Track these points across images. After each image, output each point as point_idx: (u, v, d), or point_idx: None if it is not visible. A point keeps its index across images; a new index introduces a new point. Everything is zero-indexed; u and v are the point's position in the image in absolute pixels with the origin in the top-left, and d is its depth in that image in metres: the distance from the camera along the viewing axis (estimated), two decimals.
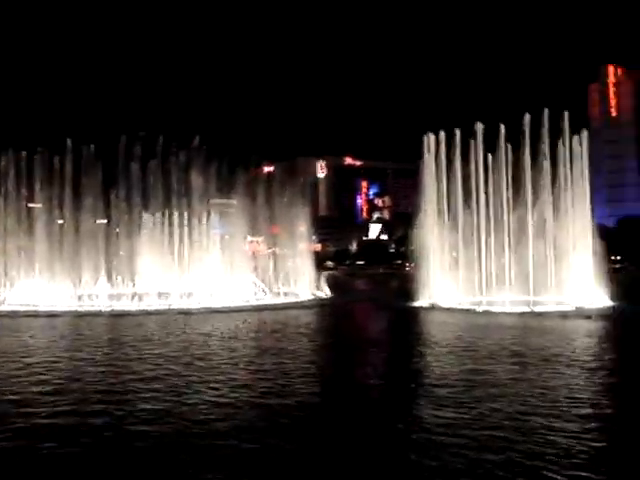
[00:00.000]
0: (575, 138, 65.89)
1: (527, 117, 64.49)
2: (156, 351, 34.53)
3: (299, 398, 22.46)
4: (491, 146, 67.71)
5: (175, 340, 39.95)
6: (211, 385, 24.73)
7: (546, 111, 64.83)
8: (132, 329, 47.56)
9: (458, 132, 68.38)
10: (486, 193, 67.63)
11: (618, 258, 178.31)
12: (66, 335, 44.21)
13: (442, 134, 69.26)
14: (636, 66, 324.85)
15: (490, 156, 67.57)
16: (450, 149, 68.82)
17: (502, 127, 66.62)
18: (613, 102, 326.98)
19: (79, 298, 69.54)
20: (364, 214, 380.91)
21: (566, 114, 65.16)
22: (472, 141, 67.92)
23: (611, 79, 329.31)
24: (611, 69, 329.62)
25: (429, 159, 69.16)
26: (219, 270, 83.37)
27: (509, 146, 67.00)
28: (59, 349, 36.54)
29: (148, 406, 21.30)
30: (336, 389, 24.87)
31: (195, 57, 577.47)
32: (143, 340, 39.94)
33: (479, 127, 67.81)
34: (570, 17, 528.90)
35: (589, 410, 20.21)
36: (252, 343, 39.22)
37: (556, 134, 65.62)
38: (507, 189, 66.57)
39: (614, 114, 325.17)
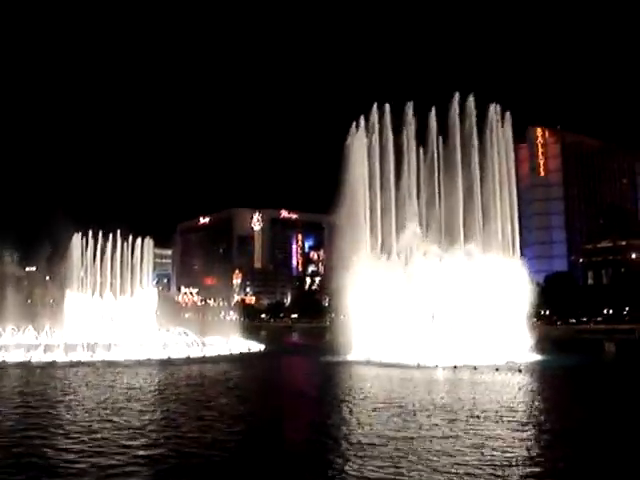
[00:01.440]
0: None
1: None
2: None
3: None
4: None
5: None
6: None
7: None
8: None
9: None
10: None
11: (547, 312, 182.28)
12: None
13: None
14: (563, 127, 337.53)
15: None
16: None
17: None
18: (541, 162, 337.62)
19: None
20: (299, 267, 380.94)
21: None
22: None
23: (539, 140, 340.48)
24: (539, 130, 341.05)
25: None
26: (151, 321, 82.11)
27: None
28: None
29: None
30: (255, 445, 24.34)
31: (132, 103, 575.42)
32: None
33: None
34: (497, 79, 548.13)
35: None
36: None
37: None
38: None
39: (542, 174, 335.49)
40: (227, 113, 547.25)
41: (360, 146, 73.09)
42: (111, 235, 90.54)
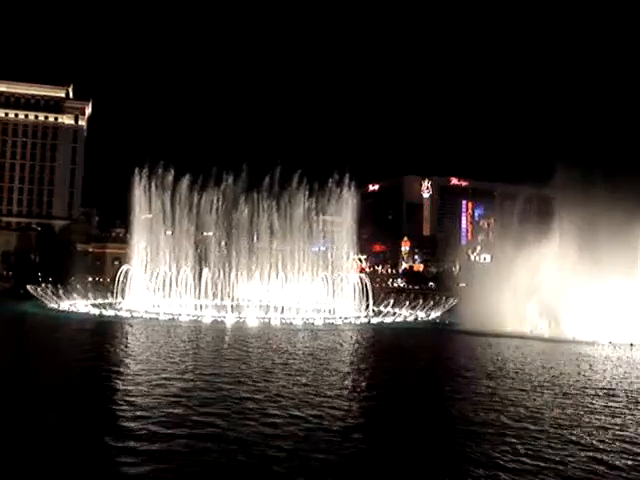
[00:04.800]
0: None
1: None
2: None
3: None
4: None
5: None
6: None
7: None
8: None
9: None
10: None
11: None
12: None
13: None
14: None
15: None
16: None
17: None
18: None
19: None
20: (468, 235, 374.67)
21: None
22: None
23: None
24: None
25: None
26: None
27: None
28: None
29: None
30: None
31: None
32: None
33: None
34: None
35: None
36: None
37: None
38: None
39: None
40: (401, 83, 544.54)
41: None
42: None
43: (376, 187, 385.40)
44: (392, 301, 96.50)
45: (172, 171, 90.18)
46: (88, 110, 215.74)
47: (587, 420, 24.27)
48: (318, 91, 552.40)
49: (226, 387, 28.35)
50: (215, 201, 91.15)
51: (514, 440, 20.71)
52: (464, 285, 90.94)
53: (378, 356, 44.56)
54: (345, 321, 70.31)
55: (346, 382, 31.44)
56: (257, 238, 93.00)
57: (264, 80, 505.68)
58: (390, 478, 17.44)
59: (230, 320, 65.72)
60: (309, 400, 25.89)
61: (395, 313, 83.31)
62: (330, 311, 76.50)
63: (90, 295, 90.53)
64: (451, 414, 24.85)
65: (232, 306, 74.61)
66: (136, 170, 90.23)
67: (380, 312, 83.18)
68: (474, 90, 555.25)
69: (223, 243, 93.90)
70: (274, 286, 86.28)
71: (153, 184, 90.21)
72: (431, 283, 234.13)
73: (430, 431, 22.33)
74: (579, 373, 37.13)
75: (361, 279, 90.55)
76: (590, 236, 65.22)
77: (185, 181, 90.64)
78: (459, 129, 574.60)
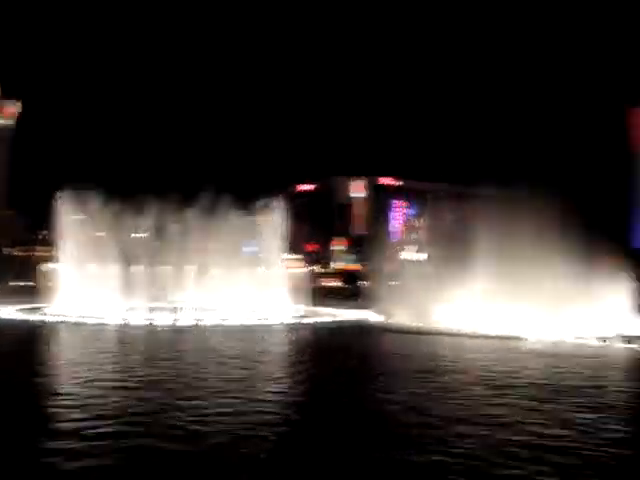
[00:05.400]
0: None
1: None
2: None
3: None
4: None
5: None
6: None
7: None
8: None
9: None
10: None
11: None
12: None
13: None
14: None
15: None
16: None
17: None
18: None
19: None
20: (401, 235, 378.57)
21: None
22: None
23: None
24: None
25: None
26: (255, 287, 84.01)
27: None
28: None
29: None
30: None
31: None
32: None
33: None
34: (611, 42, 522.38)
35: None
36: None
37: None
38: None
39: None
40: (331, 83, 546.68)
41: None
42: None
43: (310, 187, 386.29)
44: (326, 300, 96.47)
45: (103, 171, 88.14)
46: (17, 110, 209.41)
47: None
48: (250, 87, 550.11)
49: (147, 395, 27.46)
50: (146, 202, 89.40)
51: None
52: (396, 284, 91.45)
53: (312, 356, 44.27)
54: (279, 321, 69.90)
55: (278, 385, 30.96)
56: (189, 238, 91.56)
57: (189, 76, 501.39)
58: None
59: (162, 322, 64.48)
60: (241, 406, 25.30)
61: (328, 313, 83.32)
62: (264, 312, 75.90)
63: (17, 300, 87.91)
64: (379, 414, 24.69)
65: (164, 308, 73.53)
66: (64, 168, 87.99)
67: (314, 312, 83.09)
68: (404, 89, 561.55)
69: (155, 244, 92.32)
70: (206, 287, 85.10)
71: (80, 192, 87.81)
72: (363, 282, 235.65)
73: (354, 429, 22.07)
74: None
75: (296, 279, 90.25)
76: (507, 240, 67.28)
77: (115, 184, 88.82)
78: (390, 129, 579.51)
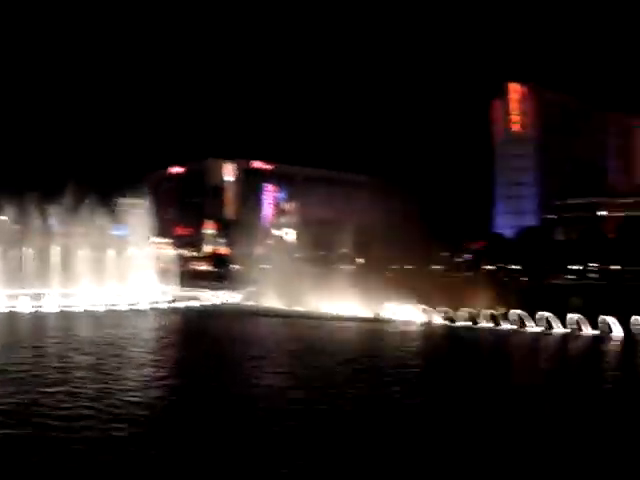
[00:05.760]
0: None
1: None
2: None
3: None
4: None
5: None
6: None
7: None
8: None
9: None
10: None
11: (518, 267, 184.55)
12: None
13: None
14: (539, 84, 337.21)
15: None
16: None
17: None
18: (516, 118, 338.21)
19: None
20: (272, 218, 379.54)
21: None
22: None
23: (515, 96, 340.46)
24: (515, 86, 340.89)
25: None
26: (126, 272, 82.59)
27: None
28: None
29: None
30: None
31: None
32: None
33: None
34: (468, 33, 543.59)
35: None
36: None
37: None
38: None
39: (516, 130, 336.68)
40: (203, 60, 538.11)
41: None
42: None
43: (181, 169, 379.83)
44: (196, 284, 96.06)
45: None
46: None
47: None
48: (120, 70, 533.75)
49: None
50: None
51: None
52: (267, 267, 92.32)
53: (181, 340, 44.42)
54: (150, 305, 69.10)
55: (144, 371, 31.00)
56: (55, 222, 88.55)
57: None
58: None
59: (25, 309, 62.07)
60: (104, 394, 25.31)
61: (198, 296, 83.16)
62: (132, 296, 74.52)
63: None
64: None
65: (28, 295, 70.31)
66: None
67: (183, 296, 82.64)
68: (276, 73, 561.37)
69: (16, 227, 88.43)
70: (74, 272, 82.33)
71: None
72: (236, 266, 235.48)
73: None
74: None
75: (166, 262, 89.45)
76: None
77: None
78: (262, 113, 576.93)
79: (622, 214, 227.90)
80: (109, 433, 19.51)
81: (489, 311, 53.74)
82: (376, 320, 57.76)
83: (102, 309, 63.92)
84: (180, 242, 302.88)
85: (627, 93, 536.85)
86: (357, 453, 18.32)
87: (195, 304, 75.49)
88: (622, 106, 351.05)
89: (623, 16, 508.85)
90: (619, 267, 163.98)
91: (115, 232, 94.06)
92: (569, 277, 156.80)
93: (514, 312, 51.38)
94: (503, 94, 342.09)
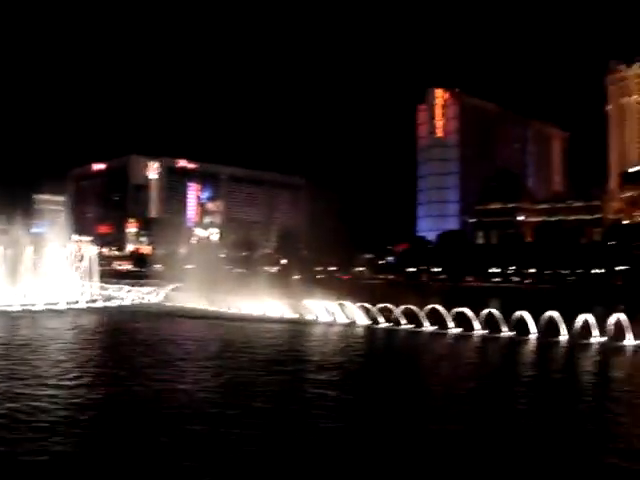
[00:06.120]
0: None
1: None
2: None
3: None
4: None
5: None
6: None
7: None
8: None
9: None
10: None
11: (438, 270, 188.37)
12: None
13: None
14: (462, 91, 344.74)
15: None
16: None
17: None
18: (439, 123, 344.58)
19: None
20: (196, 218, 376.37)
21: None
22: None
23: (438, 101, 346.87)
24: (439, 92, 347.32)
25: None
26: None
27: None
28: None
29: None
30: None
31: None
32: None
33: None
34: (395, 39, 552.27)
35: None
36: None
37: None
38: None
39: (440, 135, 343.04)
40: (126, 55, 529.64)
41: None
42: None
43: (102, 166, 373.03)
44: (118, 284, 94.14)
45: None
46: None
47: None
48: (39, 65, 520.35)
49: None
50: None
51: None
52: (191, 267, 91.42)
53: (99, 343, 43.44)
54: (68, 305, 67.42)
55: (56, 370, 30.31)
56: None
57: None
58: None
59: None
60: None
61: (121, 297, 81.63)
62: (52, 295, 72.42)
63: None
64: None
65: None
66: None
67: (106, 296, 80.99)
68: (199, 72, 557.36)
69: None
70: None
71: None
72: (158, 265, 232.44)
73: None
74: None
75: (86, 261, 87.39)
76: None
77: None
78: (187, 110, 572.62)
79: (539, 219, 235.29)
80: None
81: (413, 311, 54.30)
82: (299, 321, 57.83)
83: (18, 309, 62.09)
84: (101, 240, 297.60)
85: (547, 102, 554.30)
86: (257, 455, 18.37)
87: (115, 304, 74.10)
88: (542, 114, 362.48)
89: (548, 28, 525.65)
90: (534, 270, 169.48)
91: (34, 230, 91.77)
92: (496, 279, 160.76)
93: (427, 309, 52.09)
94: (428, 99, 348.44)
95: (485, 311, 49.12)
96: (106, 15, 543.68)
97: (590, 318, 44.95)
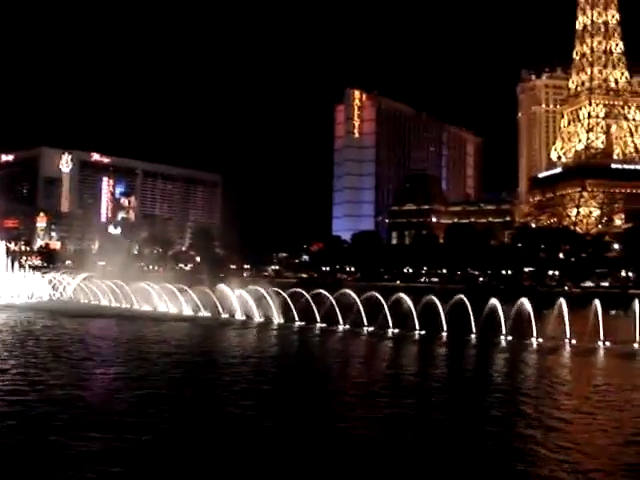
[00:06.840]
0: None
1: None
2: None
3: None
4: None
5: None
6: None
7: None
8: None
9: None
10: None
11: (352, 269, 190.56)
12: None
13: None
14: (380, 93, 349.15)
15: None
16: None
17: None
18: (356, 124, 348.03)
19: None
20: (109, 213, 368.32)
21: None
22: None
23: (356, 102, 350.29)
24: (356, 93, 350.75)
25: None
26: None
27: None
28: None
29: None
30: None
31: None
32: None
33: None
34: (315, 37, 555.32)
35: None
36: None
37: None
38: None
39: (356, 136, 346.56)
40: (39, 42, 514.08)
41: None
42: None
43: (10, 157, 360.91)
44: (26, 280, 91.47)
45: None
46: None
47: None
48: None
49: None
50: None
51: None
52: (102, 264, 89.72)
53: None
54: None
55: None
56: None
57: None
58: None
59: None
60: None
61: (28, 293, 79.34)
62: None
63: None
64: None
65: None
66: None
67: (12, 292, 78.49)
68: (116, 64, 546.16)
69: None
70: None
71: None
72: (69, 261, 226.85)
73: None
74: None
75: None
76: None
77: None
78: (102, 102, 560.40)
79: (451, 221, 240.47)
80: None
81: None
82: (213, 319, 57.73)
83: None
84: (8, 235, 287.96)
85: (462, 107, 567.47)
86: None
87: (21, 301, 72.11)
88: (457, 119, 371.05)
89: (465, 36, 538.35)
90: (445, 271, 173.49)
91: None
92: (409, 279, 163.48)
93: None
94: (345, 99, 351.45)
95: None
96: (22, 9, 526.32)
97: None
